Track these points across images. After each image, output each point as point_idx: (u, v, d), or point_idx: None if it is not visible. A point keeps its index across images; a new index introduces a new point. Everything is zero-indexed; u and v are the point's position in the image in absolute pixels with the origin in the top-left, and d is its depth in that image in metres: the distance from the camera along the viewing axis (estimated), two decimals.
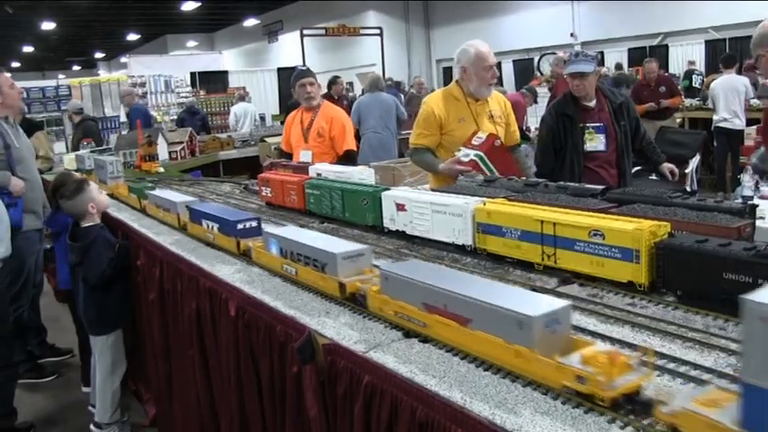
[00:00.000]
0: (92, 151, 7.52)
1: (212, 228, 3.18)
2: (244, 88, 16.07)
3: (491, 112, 4.38)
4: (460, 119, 4.30)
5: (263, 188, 3.95)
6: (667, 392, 1.34)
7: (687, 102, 11.67)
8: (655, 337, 1.74)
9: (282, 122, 12.67)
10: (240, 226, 2.92)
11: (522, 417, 1.42)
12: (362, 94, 11.00)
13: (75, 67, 43.90)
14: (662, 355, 1.59)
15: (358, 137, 8.97)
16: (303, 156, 5.23)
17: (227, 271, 2.82)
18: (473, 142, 4.05)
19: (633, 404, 1.36)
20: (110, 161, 5.39)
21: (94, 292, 4.11)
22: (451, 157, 4.07)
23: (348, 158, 5.28)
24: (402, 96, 13.30)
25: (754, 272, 1.69)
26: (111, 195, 4.98)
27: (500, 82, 19.84)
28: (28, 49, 34.27)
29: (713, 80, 10.64)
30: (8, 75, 5.22)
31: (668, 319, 1.81)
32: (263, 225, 3.02)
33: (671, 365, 1.55)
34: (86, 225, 4.13)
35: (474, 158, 3.93)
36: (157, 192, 4.22)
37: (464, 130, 4.25)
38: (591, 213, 2.22)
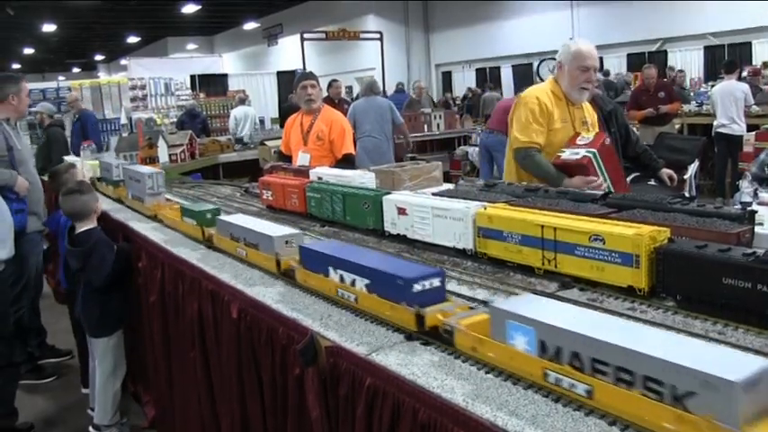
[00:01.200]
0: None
1: (354, 284, 2.14)
2: (243, 91, 16.11)
3: (584, 119, 4.16)
4: (563, 119, 4.04)
5: (264, 191, 3.96)
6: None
7: (686, 107, 11.73)
8: None
9: (281, 126, 12.72)
10: (418, 287, 1.90)
11: (524, 419, 1.43)
12: (357, 98, 11.03)
13: (75, 69, 43.94)
14: None
15: (354, 141, 9.00)
16: (301, 159, 5.25)
17: None
18: (578, 142, 3.87)
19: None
20: (148, 173, 4.34)
21: (96, 295, 4.12)
22: (555, 159, 3.84)
23: (347, 162, 5.23)
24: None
25: (753, 277, 1.71)
26: (155, 218, 4.15)
27: (498, 85, 19.98)
28: (28, 50, 34.33)
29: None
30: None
31: (668, 323, 1.83)
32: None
33: None
34: (86, 228, 4.13)
35: (588, 155, 3.71)
36: (231, 218, 3.23)
37: (565, 132, 4.00)
38: (591, 218, 2.24)
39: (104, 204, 4.64)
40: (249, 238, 2.85)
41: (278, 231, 2.73)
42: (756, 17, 14.53)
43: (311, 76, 5.62)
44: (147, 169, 4.55)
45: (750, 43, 15.62)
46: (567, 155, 3.81)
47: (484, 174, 10.56)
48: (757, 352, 1.63)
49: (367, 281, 2.07)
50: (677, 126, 11.16)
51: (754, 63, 14.47)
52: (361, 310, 2.13)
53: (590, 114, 4.25)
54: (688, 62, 17.03)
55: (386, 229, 2.92)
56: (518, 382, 1.59)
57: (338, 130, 5.35)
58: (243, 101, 14.53)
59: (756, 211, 2.25)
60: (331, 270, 2.26)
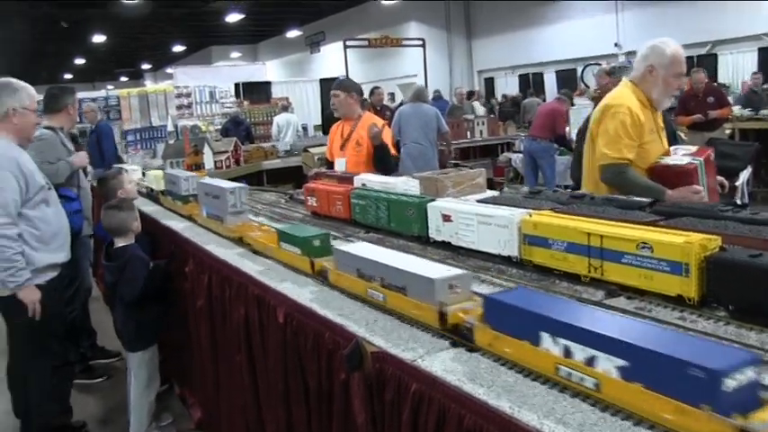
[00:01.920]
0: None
1: (593, 363, 1.50)
2: (287, 99, 16.26)
3: (662, 126, 3.89)
4: (651, 129, 3.72)
5: (309, 198, 4.00)
6: None
7: (738, 112, 11.43)
8: None
9: (324, 132, 12.82)
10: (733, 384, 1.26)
11: (571, 427, 1.43)
12: (400, 104, 11.05)
13: (123, 78, 44.92)
14: None
15: (398, 148, 9.03)
16: (338, 164, 5.32)
17: None
18: (677, 153, 3.68)
19: None
20: (230, 188, 3.76)
21: (130, 310, 4.21)
22: (657, 165, 3.60)
23: (380, 150, 5.17)
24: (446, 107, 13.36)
25: None
26: (241, 241, 3.55)
27: (542, 91, 19.83)
28: (79, 61, 35.23)
29: None
30: None
31: (720, 334, 1.80)
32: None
33: None
34: (122, 245, 4.25)
35: (694, 162, 3.50)
36: (356, 248, 2.56)
37: (655, 145, 3.73)
38: (639, 226, 2.22)
39: (173, 222, 4.55)
40: (390, 277, 2.21)
41: (435, 270, 2.08)
42: None
43: (338, 85, 5.64)
44: (228, 184, 3.93)
45: None
46: (670, 161, 3.58)
47: (529, 181, 10.51)
48: None
49: (621, 361, 1.43)
50: (728, 131, 10.91)
51: None
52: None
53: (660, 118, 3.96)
54: (740, 65, 16.60)
55: (430, 235, 2.93)
56: (564, 390, 1.58)
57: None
58: (286, 108, 14.67)
59: None
60: (546, 337, 1.61)
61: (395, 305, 2.18)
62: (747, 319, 1.83)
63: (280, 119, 13.98)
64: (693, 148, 3.67)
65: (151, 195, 5.65)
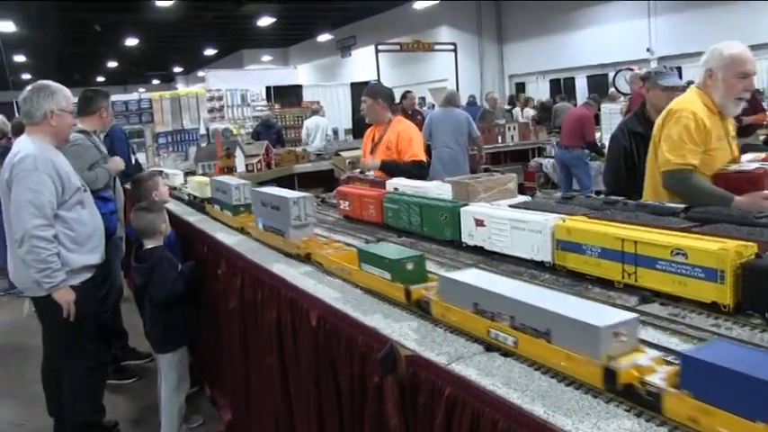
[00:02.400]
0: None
1: None
2: (318, 102, 16.34)
3: (733, 133, 3.75)
4: (719, 136, 3.62)
5: (342, 201, 4.03)
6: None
7: None
8: None
9: (355, 137, 12.85)
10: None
11: None
12: (432, 108, 11.07)
13: (155, 81, 45.50)
14: None
15: (429, 152, 9.05)
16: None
17: None
18: (743, 159, 3.59)
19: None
20: (293, 197, 3.34)
21: (160, 312, 4.29)
22: (723, 172, 3.46)
23: (414, 167, 5.23)
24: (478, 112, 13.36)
25: None
26: (306, 259, 3.18)
27: (573, 96, 19.70)
28: (112, 64, 35.80)
29: None
30: None
31: (755, 341, 1.79)
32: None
33: None
34: (151, 247, 4.33)
35: (764, 167, 3.38)
36: (466, 276, 2.13)
37: (722, 152, 3.62)
38: (673, 232, 2.21)
39: (222, 235, 4.24)
40: (525, 317, 1.79)
41: (594, 313, 1.65)
42: None
43: (366, 91, 5.72)
44: (291, 193, 3.55)
45: None
46: (737, 167, 3.47)
47: (563, 188, 10.47)
48: None
49: None
50: (762, 137, 10.75)
51: None
52: None
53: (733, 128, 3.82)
54: None
55: (463, 240, 2.94)
56: (599, 395, 1.58)
57: (406, 138, 5.43)
58: (316, 112, 14.75)
59: None
60: None
61: (531, 353, 1.77)
62: None
63: (309, 122, 14.06)
64: (762, 155, 3.63)
65: (194, 203, 5.49)
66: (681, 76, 16.42)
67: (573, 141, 10.28)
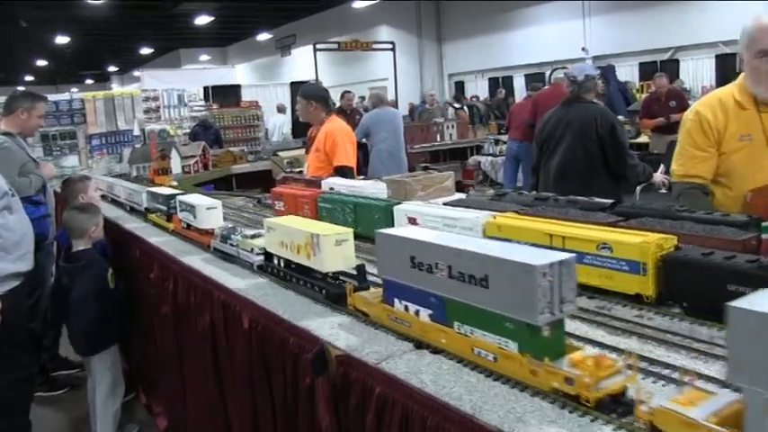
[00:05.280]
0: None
1: None
2: (256, 102, 16.20)
3: None
4: (743, 135, 3.02)
5: (276, 202, 4.00)
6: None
7: None
8: (660, 347, 1.77)
9: (294, 136, 12.82)
10: None
11: (531, 426, 1.45)
12: (366, 109, 11.15)
13: (89, 81, 44.36)
14: (666, 365, 1.64)
15: (366, 151, 9.09)
16: (305, 169, 5.40)
17: None
18: None
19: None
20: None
21: (88, 309, 4.19)
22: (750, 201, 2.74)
23: (340, 175, 4.99)
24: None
25: (757, 284, 1.72)
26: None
27: (511, 94, 20.00)
28: (41, 62, 34.71)
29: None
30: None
31: (674, 330, 1.85)
32: None
33: (675, 375, 1.58)
34: (81, 248, 4.26)
35: None
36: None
37: (748, 153, 3.01)
38: (599, 227, 2.26)
39: (156, 239, 4.06)
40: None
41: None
42: None
43: (299, 93, 5.71)
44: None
45: None
46: None
47: (507, 182, 10.61)
48: None
49: None
50: None
51: None
52: None
53: None
54: (700, 70, 16.95)
55: None
56: (526, 389, 1.60)
57: (331, 141, 5.36)
58: (281, 110, 14.73)
59: (763, 220, 2.24)
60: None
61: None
62: (700, 315, 1.88)
63: (272, 120, 14.12)
64: None
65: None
66: (615, 75, 16.92)
67: (520, 136, 10.40)
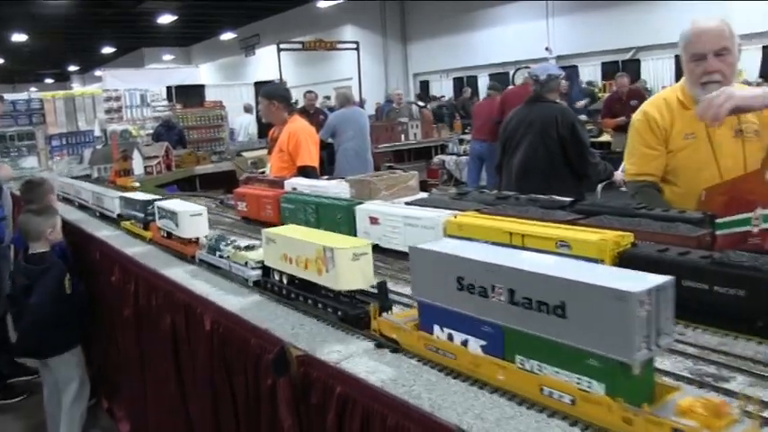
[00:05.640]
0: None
1: None
2: (220, 102, 16.07)
3: (741, 125, 3.05)
4: (687, 134, 3.10)
5: (239, 202, 3.97)
6: None
7: None
8: None
9: (259, 136, 12.74)
10: None
11: (489, 422, 1.46)
12: (330, 109, 11.15)
13: (48, 81, 43.57)
14: None
15: (332, 151, 9.09)
16: (268, 168, 5.38)
17: None
18: None
19: None
20: None
21: (44, 314, 4.13)
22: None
23: (304, 175, 5.01)
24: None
25: (709, 279, 1.76)
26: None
27: (476, 94, 20.12)
28: None
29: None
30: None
31: None
32: None
33: None
34: (40, 251, 4.21)
35: None
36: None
37: (693, 152, 3.09)
38: (559, 225, 2.28)
39: (117, 242, 3.98)
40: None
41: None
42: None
43: (261, 93, 5.72)
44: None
45: None
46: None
47: (471, 181, 10.65)
48: (713, 350, 1.70)
49: None
50: None
51: None
52: None
53: (760, 116, 3.05)
54: (660, 70, 17.24)
55: (359, 238, 2.94)
56: (485, 386, 1.61)
57: (294, 141, 5.41)
58: (248, 109, 14.69)
59: (717, 216, 2.28)
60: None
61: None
62: None
63: (237, 120, 14.10)
64: None
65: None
66: (578, 75, 17.14)
67: (483, 135, 10.45)
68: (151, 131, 13.69)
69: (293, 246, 2.30)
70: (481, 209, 2.79)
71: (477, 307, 1.60)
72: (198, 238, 3.18)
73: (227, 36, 29.83)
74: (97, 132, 12.88)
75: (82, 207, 5.47)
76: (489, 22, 21.53)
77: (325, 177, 5.21)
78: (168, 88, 16.60)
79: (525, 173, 5.24)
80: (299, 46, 18.79)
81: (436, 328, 1.74)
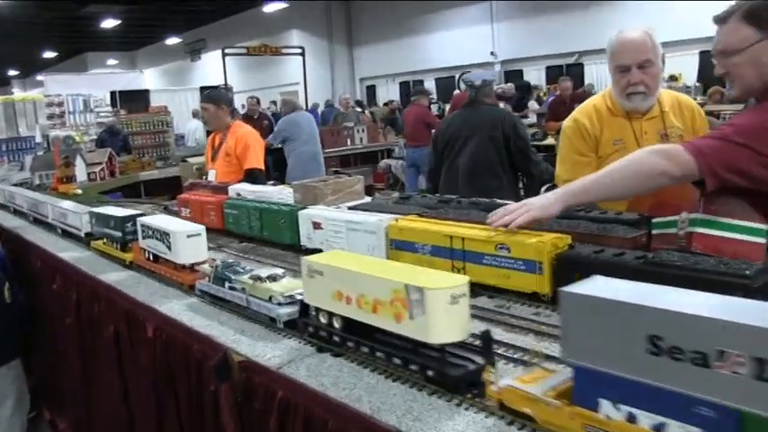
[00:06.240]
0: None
1: None
2: (166, 107, 15.87)
3: (666, 129, 3.11)
4: (616, 140, 3.13)
5: (183, 209, 3.93)
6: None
7: None
8: (556, 343, 1.83)
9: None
10: None
11: (427, 423, 1.48)
12: (274, 114, 11.16)
13: None
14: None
15: (278, 156, 9.10)
16: (210, 175, 5.35)
17: None
18: None
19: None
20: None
21: None
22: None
23: (251, 177, 5.09)
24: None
25: (644, 279, 1.81)
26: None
27: None
28: None
29: None
30: None
31: None
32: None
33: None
34: None
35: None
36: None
37: (622, 157, 2.85)
38: (498, 228, 2.31)
39: (57, 249, 3.79)
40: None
41: None
42: (666, 33, 15.16)
43: (207, 98, 5.70)
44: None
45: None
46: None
47: (410, 186, 10.71)
48: None
49: None
50: None
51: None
52: None
53: (685, 119, 3.15)
54: (603, 74, 17.64)
55: (302, 243, 2.94)
56: (424, 388, 1.64)
57: (242, 145, 5.44)
58: (195, 115, 14.60)
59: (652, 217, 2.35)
60: None
61: None
62: None
63: (187, 126, 13.99)
64: None
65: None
66: (522, 77, 17.42)
67: (416, 141, 10.52)
68: (95, 137, 13.43)
69: (353, 281, 1.76)
70: (423, 212, 2.82)
71: (686, 380, 1.13)
72: (196, 264, 2.68)
73: (173, 41, 29.48)
74: (38, 138, 12.56)
75: (40, 223, 4.79)
76: (435, 26, 21.73)
77: (271, 182, 5.20)
78: (112, 93, 16.33)
79: (472, 175, 5.30)
80: (244, 51, 18.68)
81: (605, 404, 1.26)
